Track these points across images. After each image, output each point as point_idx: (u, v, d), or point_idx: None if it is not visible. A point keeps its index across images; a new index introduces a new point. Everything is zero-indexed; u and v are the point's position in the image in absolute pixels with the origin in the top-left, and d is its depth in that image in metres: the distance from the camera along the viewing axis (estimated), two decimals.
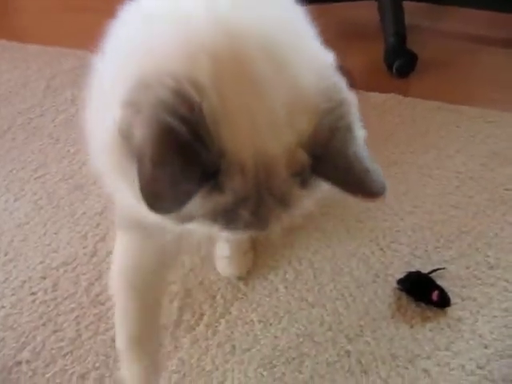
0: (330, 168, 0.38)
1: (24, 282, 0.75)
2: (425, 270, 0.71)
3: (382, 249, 0.76)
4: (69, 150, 1.02)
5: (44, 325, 0.68)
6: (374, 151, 1.10)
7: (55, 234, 0.83)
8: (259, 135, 0.37)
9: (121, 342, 0.57)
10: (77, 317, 0.69)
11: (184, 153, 0.34)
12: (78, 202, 0.88)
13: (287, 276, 0.72)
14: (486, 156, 0.95)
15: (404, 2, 1.38)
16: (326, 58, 0.43)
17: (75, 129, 1.08)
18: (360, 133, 0.40)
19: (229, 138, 0.36)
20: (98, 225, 0.83)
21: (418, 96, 1.15)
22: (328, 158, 0.38)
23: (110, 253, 0.76)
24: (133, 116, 0.36)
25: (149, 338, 0.57)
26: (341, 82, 0.41)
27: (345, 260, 0.75)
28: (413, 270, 0.72)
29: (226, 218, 0.39)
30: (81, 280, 0.74)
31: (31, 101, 1.21)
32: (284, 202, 0.39)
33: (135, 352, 0.56)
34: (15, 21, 1.87)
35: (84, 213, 0.86)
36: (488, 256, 0.75)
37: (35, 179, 0.95)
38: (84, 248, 0.79)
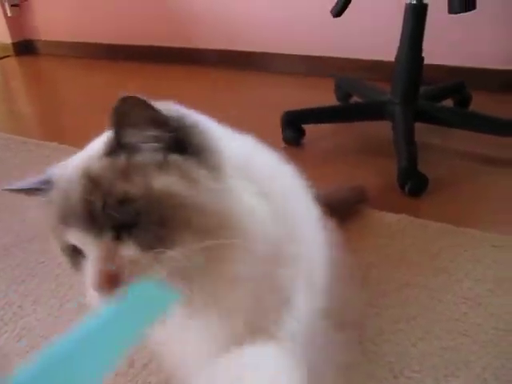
0: None
1: None
2: None
3: (395, 376, 0.80)
4: None
5: None
6: (387, 271, 1.18)
7: None
8: None
9: None
10: None
11: None
12: None
13: None
14: (493, 281, 0.99)
15: (416, 123, 1.50)
16: None
17: None
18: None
19: None
20: None
21: (428, 216, 1.22)
22: None
23: (146, 365, 0.83)
24: None
25: None
26: None
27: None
28: None
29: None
30: None
31: None
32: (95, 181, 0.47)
33: None
34: (66, 124, 2.06)
35: None
36: None
37: None
38: None
